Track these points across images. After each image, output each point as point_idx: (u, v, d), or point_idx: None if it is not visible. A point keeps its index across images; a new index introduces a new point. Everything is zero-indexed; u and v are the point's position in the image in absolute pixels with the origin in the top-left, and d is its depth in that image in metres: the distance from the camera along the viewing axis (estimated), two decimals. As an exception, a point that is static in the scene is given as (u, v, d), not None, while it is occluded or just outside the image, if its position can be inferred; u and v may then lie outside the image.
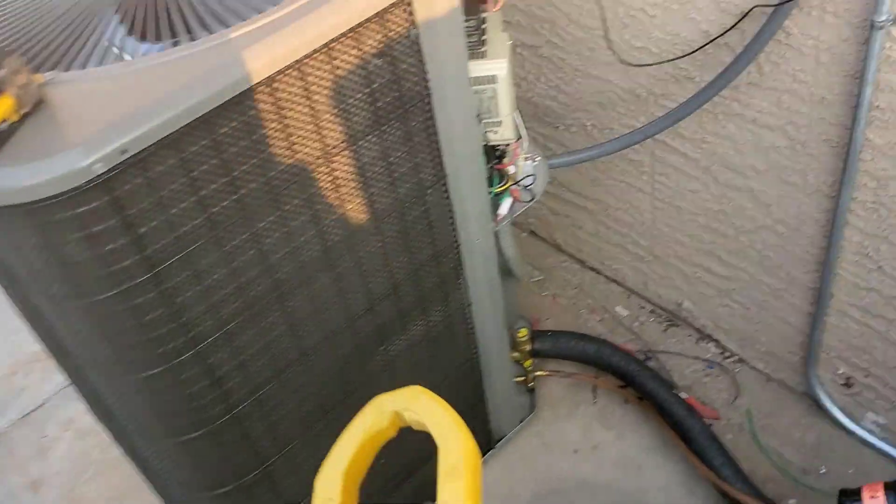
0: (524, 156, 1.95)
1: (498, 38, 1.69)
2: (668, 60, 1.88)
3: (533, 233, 2.80)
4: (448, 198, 1.65)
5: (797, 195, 1.89)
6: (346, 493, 0.61)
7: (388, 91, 1.38)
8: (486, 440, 2.17)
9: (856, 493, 1.66)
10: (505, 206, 1.84)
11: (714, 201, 2.08)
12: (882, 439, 2.05)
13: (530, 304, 2.57)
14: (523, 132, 1.92)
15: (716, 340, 2.38)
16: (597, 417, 2.28)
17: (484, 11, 1.67)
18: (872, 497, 1.64)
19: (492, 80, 1.65)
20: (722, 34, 1.76)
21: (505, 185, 1.83)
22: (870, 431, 2.07)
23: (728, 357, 2.35)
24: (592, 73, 2.13)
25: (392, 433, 0.67)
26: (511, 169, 1.85)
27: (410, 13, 1.32)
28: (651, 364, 2.37)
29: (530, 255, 2.71)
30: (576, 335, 2.33)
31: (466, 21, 1.57)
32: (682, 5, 1.79)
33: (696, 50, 1.82)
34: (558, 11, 2.08)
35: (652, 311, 2.50)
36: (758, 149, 1.89)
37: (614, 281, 2.59)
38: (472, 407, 2.03)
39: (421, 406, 0.66)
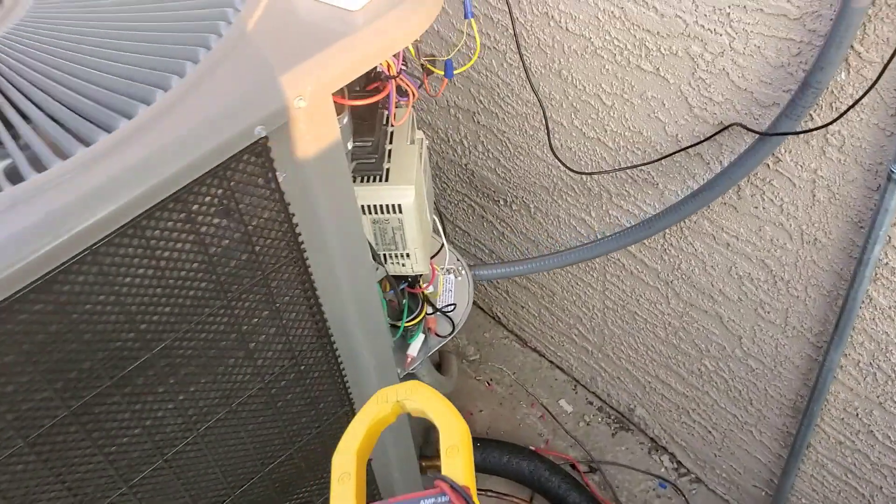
0: (444, 269, 1.59)
1: (405, 153, 1.30)
2: (626, 168, 1.50)
3: (470, 300, 2.43)
4: (334, 358, 1.28)
5: (775, 333, 1.54)
6: (358, 468, 0.70)
7: (235, 253, 1.00)
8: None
9: None
10: (415, 346, 1.47)
11: (675, 317, 1.73)
12: None
13: (462, 391, 2.22)
14: (444, 241, 1.55)
15: (670, 454, 2.05)
16: (530, 546, 1.96)
17: (384, 128, 1.28)
18: None
19: (395, 209, 1.26)
20: (693, 145, 1.38)
21: (417, 317, 1.46)
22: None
23: (683, 475, 2.03)
24: (536, 154, 1.74)
25: (392, 419, 0.75)
26: (430, 289, 1.47)
27: (266, 160, 0.93)
28: (595, 478, 2.04)
29: (466, 325, 2.34)
30: (508, 447, 1.99)
31: (362, 142, 1.19)
32: (646, 101, 1.41)
33: (662, 158, 1.44)
34: (497, 79, 1.68)
35: (600, 410, 2.16)
36: (730, 275, 1.53)
37: (560, 368, 2.24)
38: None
39: (420, 396, 0.74)
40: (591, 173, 1.56)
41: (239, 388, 1.15)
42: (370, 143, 1.21)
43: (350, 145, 1.18)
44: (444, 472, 0.66)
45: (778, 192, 1.34)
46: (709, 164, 1.41)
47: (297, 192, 0.99)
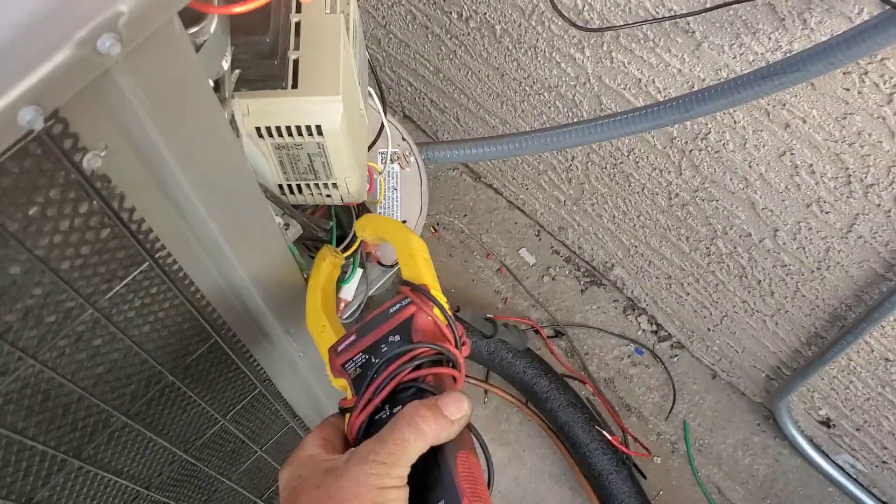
0: (386, 158, 1.13)
1: (322, 39, 0.78)
2: (659, 20, 1.00)
3: (409, 118, 1.95)
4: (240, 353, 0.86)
5: (829, 236, 1.16)
6: (330, 321, 0.72)
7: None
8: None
9: None
10: (350, 288, 1.04)
11: (686, 189, 1.32)
12: (855, 482, 1.56)
13: (401, 238, 1.81)
14: (383, 118, 1.08)
15: (650, 315, 1.74)
16: (486, 430, 1.68)
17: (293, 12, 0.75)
18: None
19: (312, 131, 0.78)
20: (775, -3, 0.89)
21: (351, 246, 1.02)
22: (841, 470, 1.57)
23: (664, 339, 1.73)
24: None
25: (338, 271, 0.81)
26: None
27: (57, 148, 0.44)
28: (562, 344, 1.74)
29: (403, 151, 1.88)
30: (462, 321, 1.63)
31: (249, 44, 0.68)
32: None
33: (712, 9, 0.95)
34: None
35: (568, 261, 1.81)
36: (780, 160, 1.12)
37: (520, 210, 1.84)
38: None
39: (372, 223, 0.81)
40: (600, 29, 1.05)
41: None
42: (265, 42, 0.69)
43: (229, 56, 0.66)
44: (405, 276, 0.67)
45: (892, 77, 0.89)
46: (784, 21, 0.92)
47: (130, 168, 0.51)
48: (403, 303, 0.64)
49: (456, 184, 1.88)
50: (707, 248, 1.40)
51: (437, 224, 1.86)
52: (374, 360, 0.61)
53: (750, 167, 1.17)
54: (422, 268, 0.69)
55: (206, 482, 1.03)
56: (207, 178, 0.57)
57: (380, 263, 1.07)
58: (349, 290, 1.04)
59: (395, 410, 0.56)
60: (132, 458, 0.83)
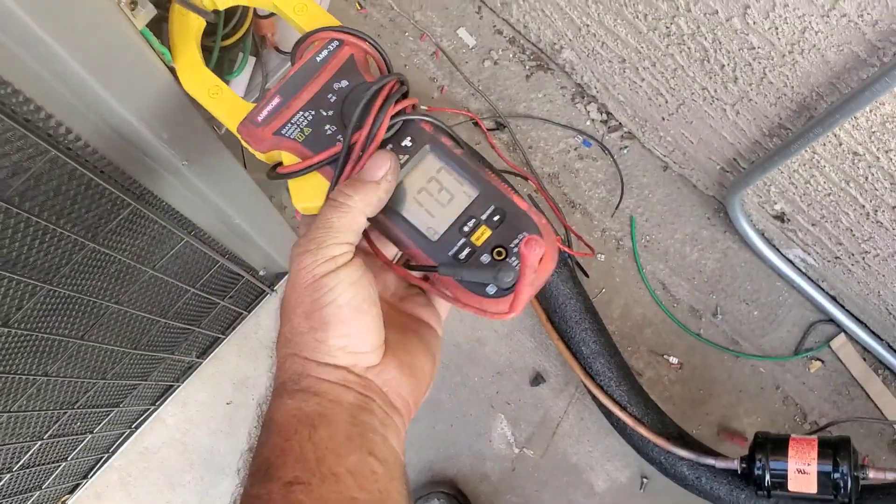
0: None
1: None
2: None
3: None
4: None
5: (807, 14, 1.01)
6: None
7: None
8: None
9: (778, 447, 1.18)
10: (241, 81, 0.87)
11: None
12: (805, 276, 1.51)
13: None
14: None
15: (600, 104, 1.59)
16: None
17: None
18: (800, 469, 1.17)
19: None
20: None
21: (239, 28, 0.84)
22: (790, 264, 1.51)
23: (613, 129, 1.60)
24: None
25: (205, 21, 0.65)
26: None
27: None
28: (503, 137, 1.59)
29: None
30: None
31: None
32: None
33: None
34: None
35: (512, 43, 1.62)
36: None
37: (457, -18, 1.61)
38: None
39: None
40: None
41: None
42: None
43: None
44: (305, 29, 0.61)
45: None
46: None
47: None
48: (332, 47, 0.58)
49: (384, -50, 1.64)
50: (667, 27, 1.22)
51: None
52: (326, 112, 0.56)
53: (723, -72, 0.98)
54: (319, 11, 0.62)
55: (86, 307, 0.90)
56: None
57: (277, 50, 0.89)
58: (241, 83, 0.86)
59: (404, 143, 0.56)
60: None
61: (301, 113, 0.57)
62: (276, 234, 1.24)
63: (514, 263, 0.53)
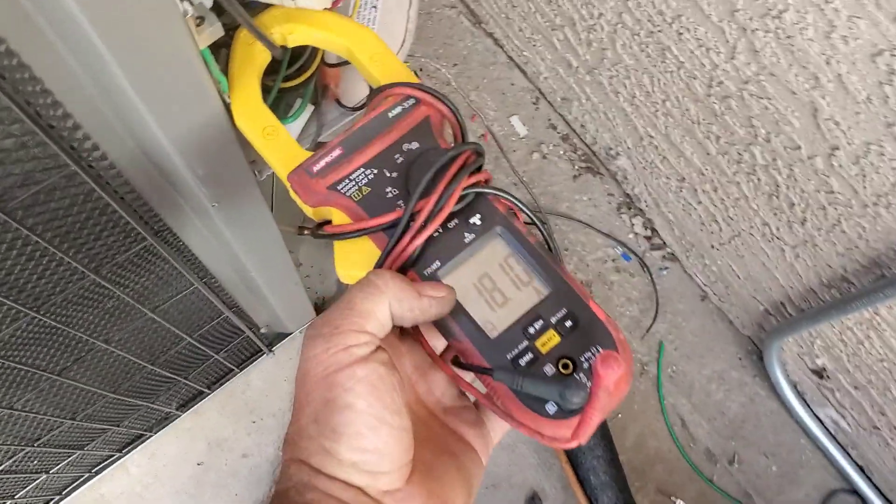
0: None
1: None
2: None
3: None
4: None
5: (906, 168, 0.92)
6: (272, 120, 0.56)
7: None
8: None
9: None
10: (296, 128, 0.79)
11: (733, 79, 1.07)
12: (834, 439, 1.40)
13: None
14: None
15: (647, 219, 1.51)
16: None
17: None
18: None
19: None
20: None
21: (305, 71, 0.76)
22: (820, 424, 1.41)
23: (656, 248, 1.52)
24: None
25: (271, 56, 0.59)
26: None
27: None
28: (537, 232, 1.51)
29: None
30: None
31: None
32: None
33: None
34: None
35: (565, 140, 1.55)
36: (873, 61, 0.85)
37: (520, 69, 1.56)
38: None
39: (303, 17, 0.59)
40: None
41: None
42: None
43: None
44: (380, 80, 0.56)
45: None
46: None
47: None
48: (407, 104, 0.53)
49: (451, 25, 1.59)
50: (739, 154, 1.15)
51: (421, 70, 1.57)
52: (390, 174, 0.50)
53: (827, 64, 0.91)
54: (397, 64, 0.57)
55: (71, 342, 0.80)
56: None
57: (339, 103, 0.82)
58: (293, 131, 0.78)
59: (469, 221, 0.49)
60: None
61: (363, 169, 0.50)
62: (288, 292, 1.15)
63: (585, 381, 0.44)
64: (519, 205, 0.52)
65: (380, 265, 0.47)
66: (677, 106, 1.20)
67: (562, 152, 1.55)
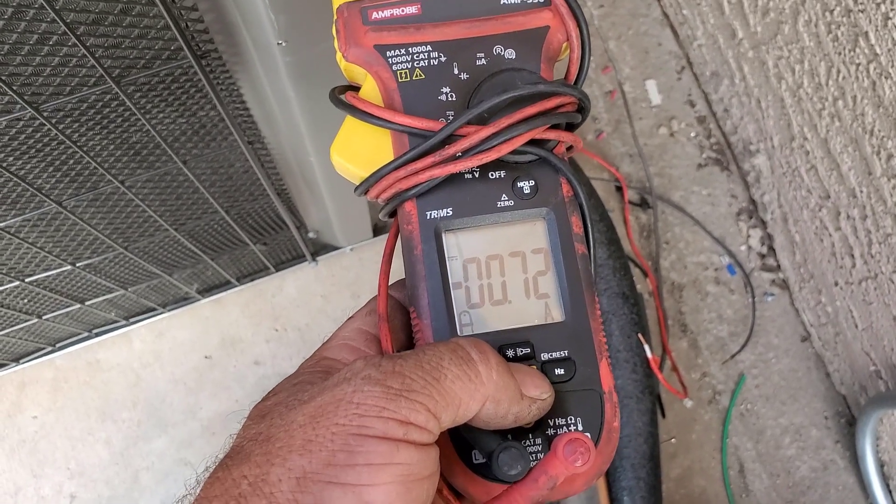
0: None
1: None
2: None
3: None
4: None
5: None
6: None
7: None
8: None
9: None
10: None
11: None
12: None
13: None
14: None
15: (768, 233, 1.32)
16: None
17: None
18: None
19: None
20: None
21: None
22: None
23: (769, 269, 1.32)
24: None
25: None
26: None
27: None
28: (642, 217, 1.33)
29: None
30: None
31: None
32: None
33: None
34: None
35: (700, 122, 1.36)
36: None
37: (673, 30, 1.36)
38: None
39: None
40: None
41: None
42: None
43: None
44: None
45: None
46: None
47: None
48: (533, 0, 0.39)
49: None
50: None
51: (563, 3, 1.39)
52: (458, 73, 0.37)
53: None
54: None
55: (78, 164, 0.66)
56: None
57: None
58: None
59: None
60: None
61: (429, 48, 0.38)
62: (348, 198, 1.00)
63: (535, 451, 0.35)
64: (580, 190, 0.38)
65: (381, 175, 0.36)
66: (851, 108, 1.00)
67: (693, 134, 1.35)
